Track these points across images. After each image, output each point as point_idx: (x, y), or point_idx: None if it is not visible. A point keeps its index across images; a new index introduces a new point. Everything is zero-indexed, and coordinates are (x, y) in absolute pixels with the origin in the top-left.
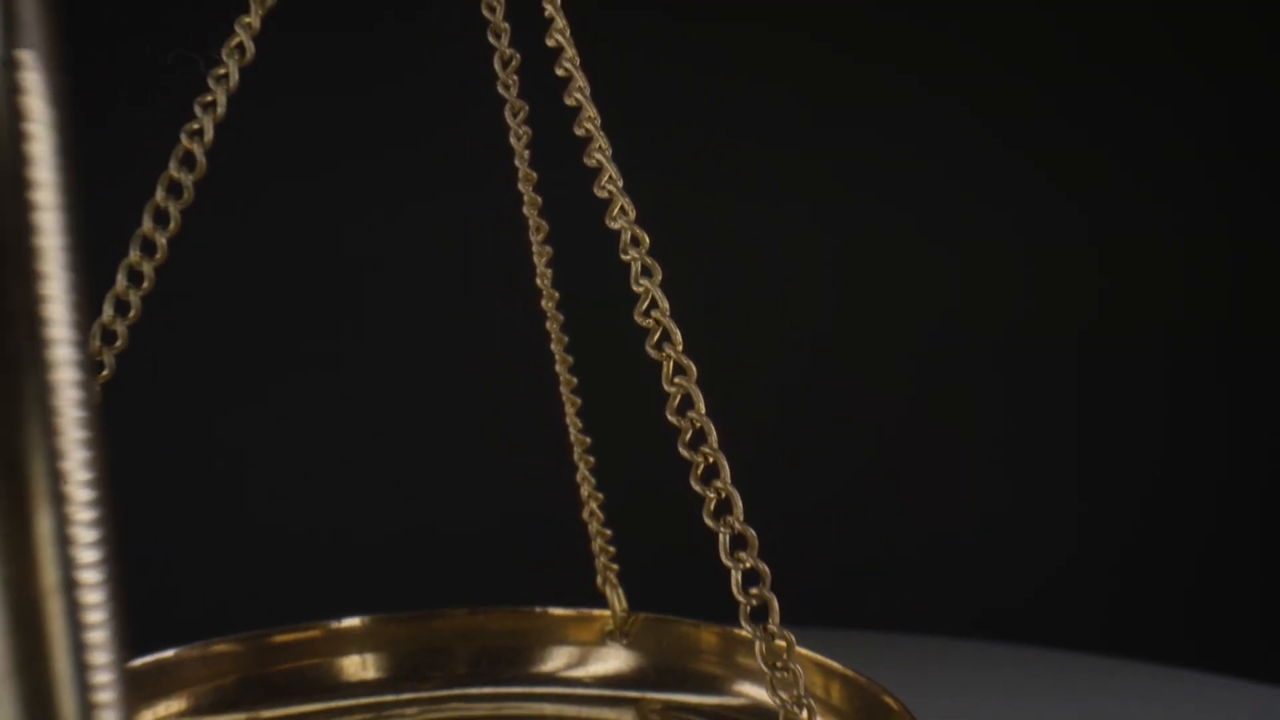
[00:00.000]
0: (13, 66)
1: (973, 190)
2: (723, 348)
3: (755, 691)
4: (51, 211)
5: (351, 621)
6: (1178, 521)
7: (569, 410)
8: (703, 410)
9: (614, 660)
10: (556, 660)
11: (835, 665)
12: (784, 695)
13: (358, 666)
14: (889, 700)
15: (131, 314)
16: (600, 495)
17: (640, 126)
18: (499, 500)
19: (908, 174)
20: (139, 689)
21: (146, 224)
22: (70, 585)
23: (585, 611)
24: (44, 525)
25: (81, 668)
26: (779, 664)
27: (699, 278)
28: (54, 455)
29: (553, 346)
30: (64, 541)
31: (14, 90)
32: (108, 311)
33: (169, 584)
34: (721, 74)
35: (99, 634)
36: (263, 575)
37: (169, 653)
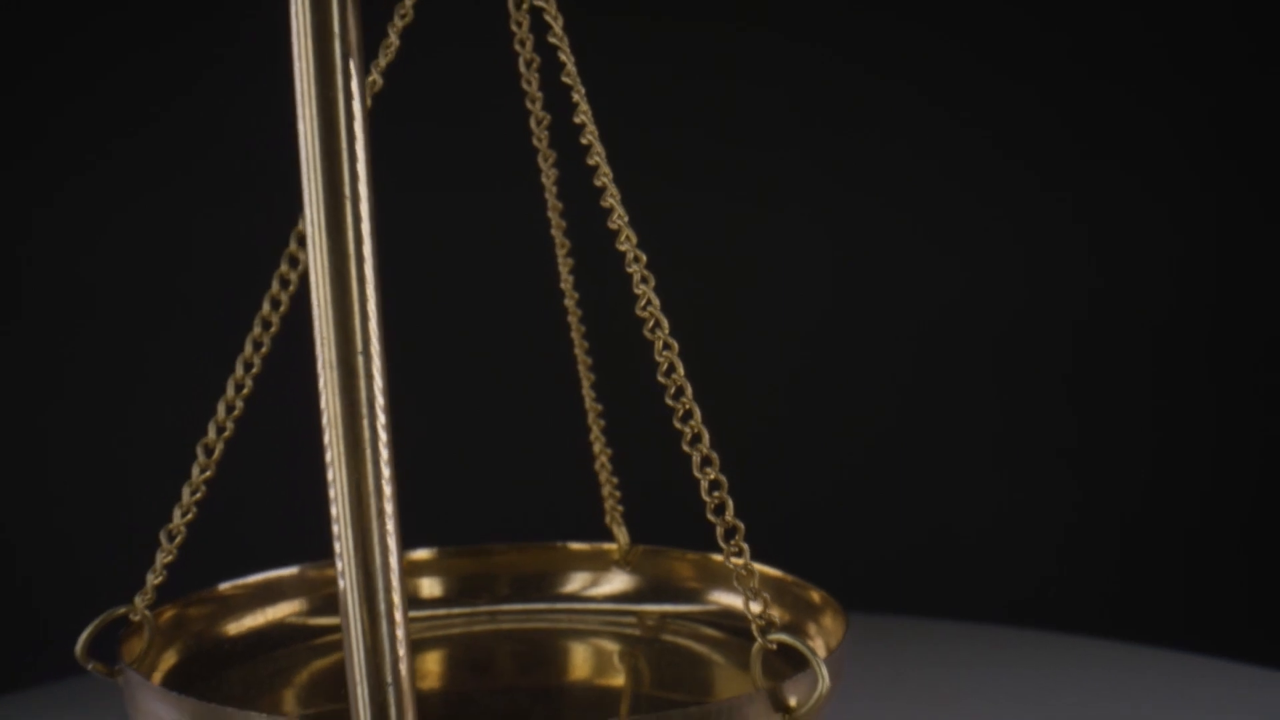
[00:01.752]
0: (347, 76)
1: (970, 191)
2: (724, 348)
3: (723, 599)
4: (365, 203)
5: (421, 553)
6: (1173, 513)
7: (585, 384)
8: (682, 373)
9: (619, 582)
10: (575, 583)
11: (769, 570)
12: (735, 563)
13: (423, 587)
14: (814, 595)
15: (282, 308)
16: (609, 450)
17: (640, 129)
18: (515, 486)
19: (902, 175)
20: (266, 597)
21: (293, 244)
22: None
23: (597, 545)
24: (368, 466)
25: (384, 549)
26: (732, 545)
27: (699, 284)
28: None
29: (573, 334)
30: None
31: (349, 96)
32: (266, 306)
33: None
34: (722, 80)
35: (391, 527)
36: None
37: (277, 572)
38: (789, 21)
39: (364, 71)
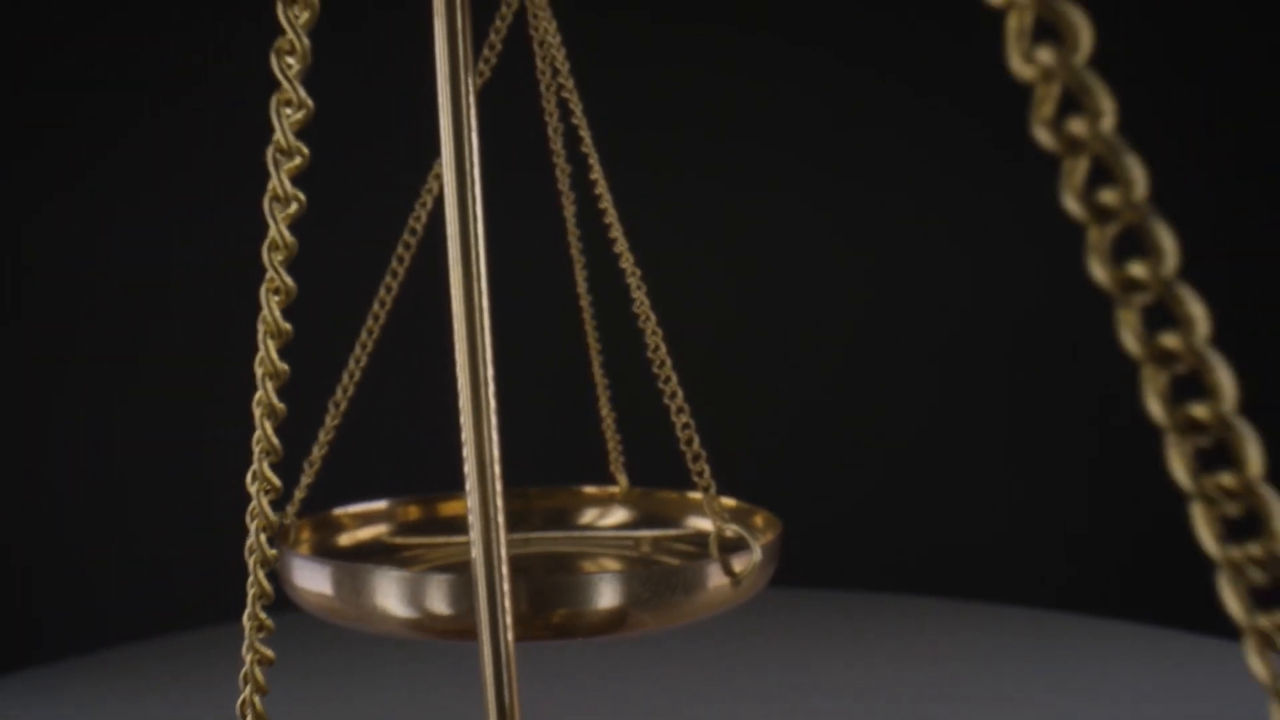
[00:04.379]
0: (467, 86)
1: (976, 193)
2: (724, 348)
3: (698, 524)
4: (478, 183)
5: None
6: (1179, 511)
7: (595, 365)
8: (665, 350)
9: (621, 515)
10: (588, 516)
11: (728, 501)
12: (700, 481)
13: None
14: (759, 518)
15: (389, 305)
16: (614, 415)
17: (642, 130)
18: (543, 445)
19: (905, 179)
20: (364, 521)
21: (401, 248)
22: (489, 444)
23: (604, 488)
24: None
25: (495, 476)
26: (697, 465)
27: (700, 284)
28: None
29: (586, 328)
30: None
31: (468, 99)
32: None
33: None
34: (723, 82)
35: (498, 455)
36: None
37: (372, 504)
38: (791, 25)
39: (476, 84)
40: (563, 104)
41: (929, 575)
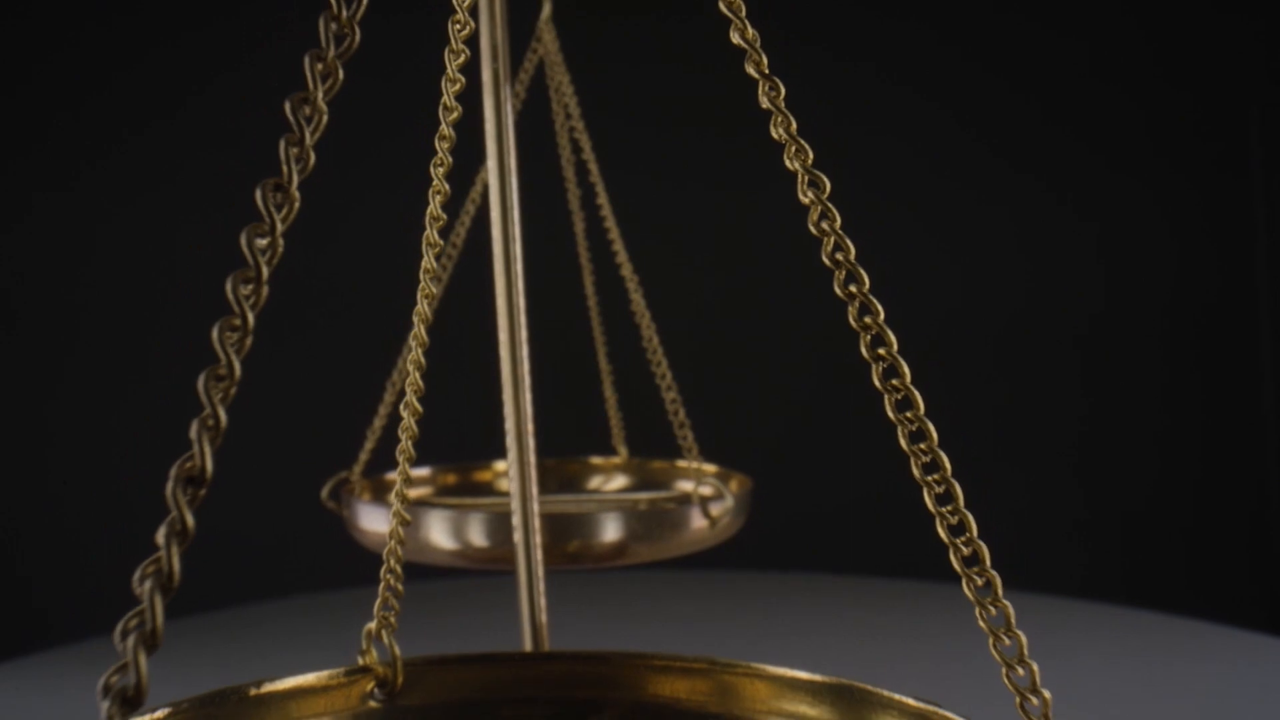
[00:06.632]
0: (506, 110)
1: (972, 193)
2: (725, 348)
3: (684, 487)
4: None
5: (501, 464)
6: (1175, 497)
7: (601, 355)
8: (657, 342)
9: (622, 480)
10: (595, 481)
11: (708, 466)
12: (685, 444)
13: (503, 484)
14: (734, 483)
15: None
16: (616, 395)
17: (640, 130)
18: (556, 424)
19: (905, 179)
20: (408, 484)
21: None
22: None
23: (608, 458)
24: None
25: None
26: (682, 431)
27: (700, 284)
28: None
29: (592, 321)
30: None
31: (506, 116)
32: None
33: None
34: (723, 82)
35: (529, 395)
36: None
37: (416, 470)
38: (791, 25)
39: (512, 110)
40: (574, 141)
41: (928, 569)
